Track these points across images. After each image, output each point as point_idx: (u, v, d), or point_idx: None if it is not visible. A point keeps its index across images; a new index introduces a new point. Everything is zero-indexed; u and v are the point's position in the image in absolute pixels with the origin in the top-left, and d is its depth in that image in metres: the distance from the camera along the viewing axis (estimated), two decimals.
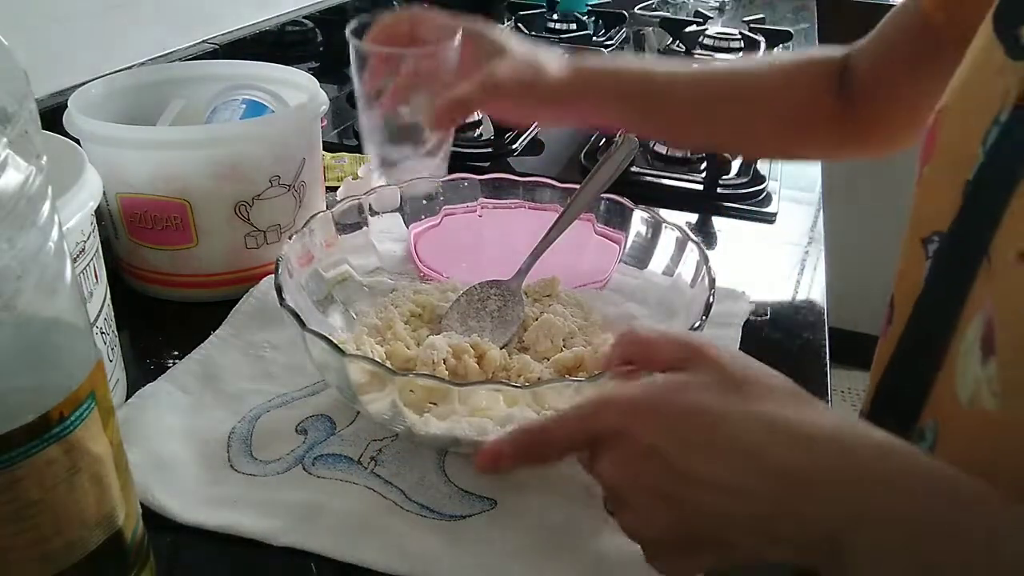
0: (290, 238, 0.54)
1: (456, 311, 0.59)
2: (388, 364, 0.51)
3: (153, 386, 0.53)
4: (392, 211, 0.63)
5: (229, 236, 0.63)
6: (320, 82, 0.70)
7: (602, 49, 1.29)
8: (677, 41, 1.41)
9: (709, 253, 0.56)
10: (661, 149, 0.94)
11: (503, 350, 0.55)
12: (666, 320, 0.58)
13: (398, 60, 0.63)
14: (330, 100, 0.68)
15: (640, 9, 1.69)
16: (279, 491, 0.46)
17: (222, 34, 0.93)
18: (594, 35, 1.46)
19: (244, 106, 0.70)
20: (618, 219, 0.62)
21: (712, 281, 0.51)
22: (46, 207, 0.29)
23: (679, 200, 0.85)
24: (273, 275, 0.65)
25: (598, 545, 0.43)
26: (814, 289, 0.72)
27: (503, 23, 1.54)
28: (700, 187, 0.87)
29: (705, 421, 0.34)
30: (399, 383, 0.43)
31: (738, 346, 0.60)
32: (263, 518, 0.44)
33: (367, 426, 0.50)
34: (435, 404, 0.47)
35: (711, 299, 0.50)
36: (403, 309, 0.59)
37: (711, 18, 1.59)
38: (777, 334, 0.64)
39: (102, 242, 0.51)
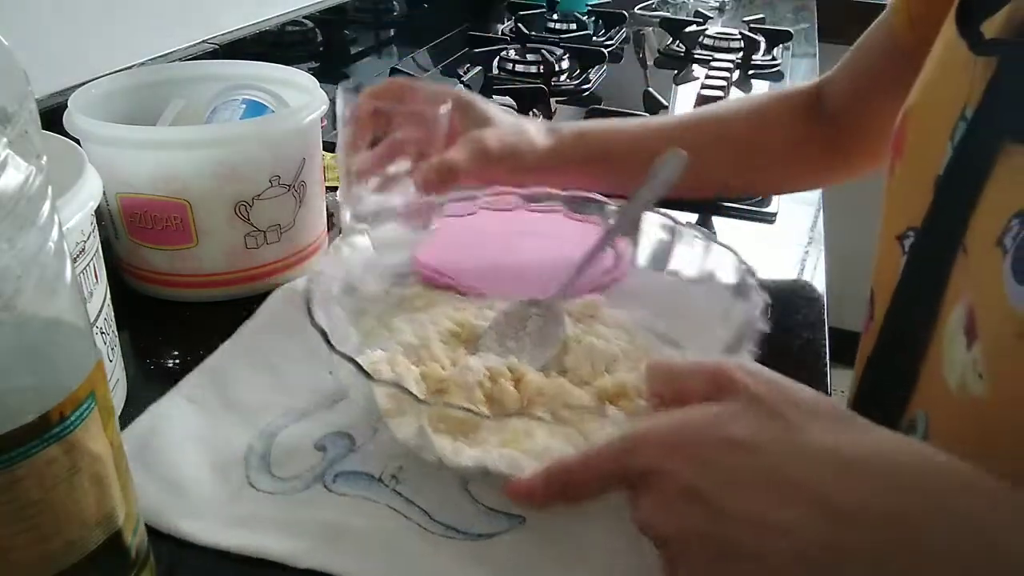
0: (325, 253, 0.53)
1: (494, 331, 0.57)
2: (423, 385, 0.51)
3: (167, 400, 0.53)
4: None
5: (229, 236, 0.63)
6: (320, 82, 0.70)
7: (602, 50, 1.29)
8: (677, 41, 1.42)
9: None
10: None
11: (541, 372, 0.53)
12: (676, 321, 0.58)
13: (389, 118, 0.63)
14: (330, 100, 0.68)
15: (640, 9, 1.69)
16: (300, 510, 0.45)
17: (222, 34, 0.93)
18: (594, 35, 1.46)
19: (244, 106, 0.70)
20: (594, 205, 0.62)
21: (767, 307, 0.49)
22: (46, 207, 0.29)
23: (679, 200, 0.85)
24: (286, 286, 0.66)
25: (632, 562, 0.42)
26: (814, 289, 0.72)
27: (503, 23, 1.54)
28: None
29: (746, 456, 0.32)
30: (427, 412, 0.42)
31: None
32: (284, 539, 0.43)
33: (387, 442, 0.49)
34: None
35: (762, 325, 0.47)
36: (440, 327, 0.57)
37: (711, 18, 1.59)
38: (777, 334, 0.64)
39: (102, 242, 0.51)
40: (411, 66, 1.21)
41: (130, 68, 0.77)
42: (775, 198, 0.86)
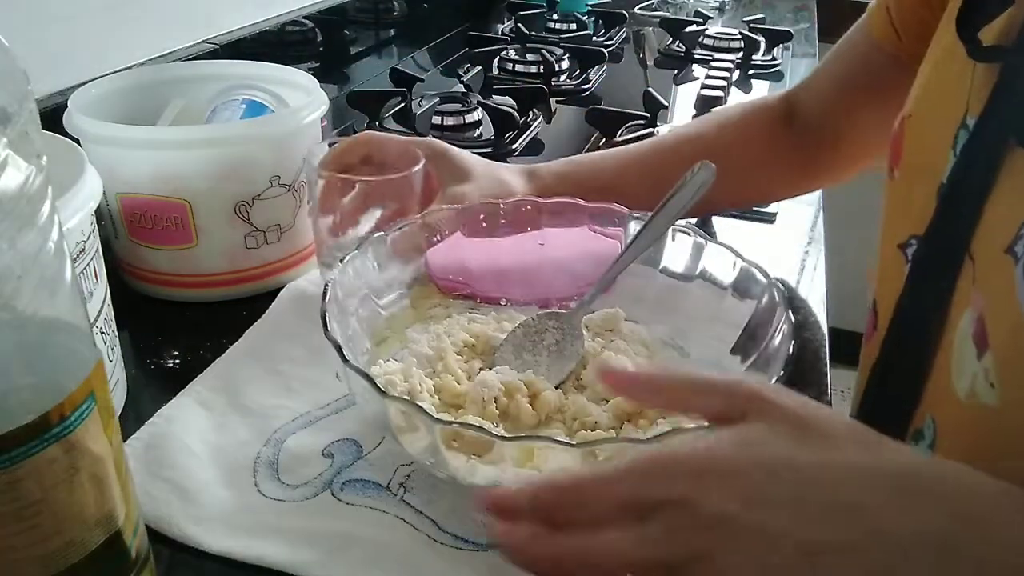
0: (342, 261, 0.53)
1: (511, 343, 0.56)
2: (437, 399, 0.50)
3: (176, 402, 0.52)
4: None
5: (229, 236, 0.63)
6: (320, 82, 0.70)
7: (602, 50, 1.29)
8: (677, 41, 1.42)
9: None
10: None
11: (559, 389, 0.52)
12: (668, 319, 0.58)
13: (351, 186, 0.61)
14: (330, 100, 0.68)
15: (640, 9, 1.69)
16: (308, 519, 0.45)
17: (222, 34, 0.93)
18: (594, 35, 1.46)
19: (244, 106, 0.70)
20: (615, 219, 0.61)
21: (793, 328, 0.47)
22: (46, 207, 0.29)
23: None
24: (291, 285, 0.66)
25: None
26: (814, 289, 0.72)
27: (503, 23, 1.54)
28: None
29: (788, 479, 0.29)
30: (439, 432, 0.41)
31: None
32: (291, 548, 0.43)
33: (394, 450, 0.49)
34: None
35: (792, 349, 0.46)
36: (456, 339, 0.55)
37: (711, 18, 1.59)
38: None
39: (102, 242, 0.51)
40: (411, 66, 1.21)
41: (130, 68, 0.76)
42: None
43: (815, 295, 0.71)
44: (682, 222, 0.59)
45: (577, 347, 0.55)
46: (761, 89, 1.27)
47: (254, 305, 0.64)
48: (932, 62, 0.47)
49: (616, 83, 1.24)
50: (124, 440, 0.39)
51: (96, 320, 0.49)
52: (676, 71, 1.33)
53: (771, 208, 0.84)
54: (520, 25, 1.44)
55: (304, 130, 0.64)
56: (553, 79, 1.19)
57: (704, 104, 1.03)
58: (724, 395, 0.33)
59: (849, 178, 0.71)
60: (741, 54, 1.34)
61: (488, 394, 0.49)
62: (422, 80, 1.09)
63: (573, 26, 1.46)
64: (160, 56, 0.84)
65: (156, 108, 0.71)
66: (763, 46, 1.36)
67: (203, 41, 0.90)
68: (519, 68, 1.22)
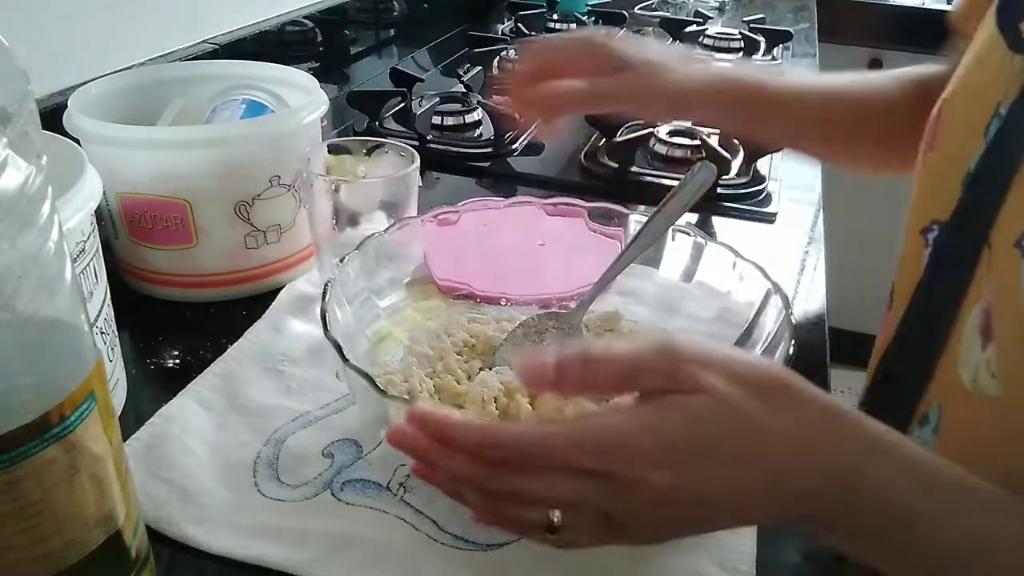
0: (342, 261, 0.52)
1: (511, 344, 0.55)
2: (437, 399, 0.50)
3: (176, 402, 0.53)
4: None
5: (229, 236, 0.63)
6: (320, 82, 0.70)
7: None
8: (677, 41, 1.41)
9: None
10: (661, 149, 0.94)
11: None
12: (668, 319, 0.58)
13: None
14: (330, 100, 0.68)
15: (640, 9, 1.69)
16: (308, 519, 0.45)
17: (222, 34, 0.93)
18: None
19: (244, 106, 0.70)
20: (615, 218, 0.61)
21: (792, 329, 0.48)
22: (46, 207, 0.29)
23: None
24: (290, 285, 0.66)
25: (648, 568, 0.43)
26: (814, 289, 0.72)
27: (503, 23, 1.54)
28: None
29: (721, 456, 0.33)
30: None
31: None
32: (293, 549, 0.43)
33: (394, 450, 0.49)
34: None
35: (791, 349, 0.47)
36: (456, 339, 0.56)
37: (711, 18, 1.59)
38: None
39: (102, 242, 0.51)
40: (411, 66, 1.21)
41: (130, 68, 0.76)
42: (775, 198, 0.86)
43: (815, 295, 0.71)
44: (682, 222, 0.59)
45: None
46: None
47: (254, 305, 0.64)
48: (974, 49, 0.47)
49: None
50: (124, 440, 0.39)
51: (96, 320, 0.49)
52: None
53: (771, 208, 0.84)
54: (520, 25, 1.44)
55: (304, 130, 0.64)
56: None
57: None
58: (664, 376, 0.34)
59: None
60: (741, 54, 1.34)
61: (488, 394, 0.49)
62: (422, 80, 1.09)
63: (573, 26, 1.46)
64: (160, 56, 0.84)
65: (156, 108, 0.71)
66: (763, 46, 1.36)
67: (203, 41, 0.90)
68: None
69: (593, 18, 1.53)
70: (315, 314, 0.47)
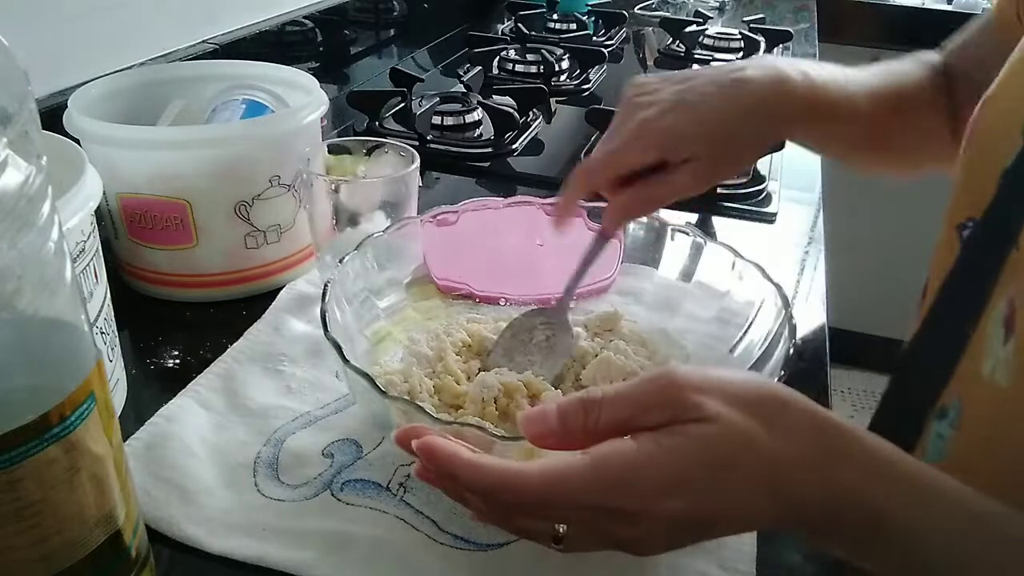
0: (341, 261, 0.52)
1: (501, 347, 0.55)
2: (437, 399, 0.50)
3: (176, 402, 0.53)
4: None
5: (229, 236, 0.63)
6: (320, 82, 0.70)
7: (602, 50, 1.29)
8: (677, 41, 1.42)
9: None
10: None
11: (558, 389, 0.52)
12: (668, 319, 0.58)
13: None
14: (330, 100, 0.68)
15: (640, 9, 1.69)
16: (308, 519, 0.45)
17: (222, 34, 0.93)
18: (594, 35, 1.46)
19: (244, 106, 0.70)
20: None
21: (793, 329, 0.48)
22: (46, 207, 0.29)
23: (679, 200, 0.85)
24: (289, 286, 0.65)
25: (648, 567, 0.43)
26: (814, 289, 0.72)
27: (503, 23, 1.54)
28: None
29: (733, 478, 0.34)
30: (440, 432, 0.40)
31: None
32: (292, 549, 0.43)
33: (394, 450, 0.48)
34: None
35: (791, 349, 0.46)
36: (455, 339, 0.56)
37: (711, 18, 1.59)
38: None
39: (102, 242, 0.51)
40: (411, 66, 1.21)
41: (130, 68, 0.77)
42: (775, 198, 0.86)
43: (815, 295, 0.71)
44: (681, 222, 0.59)
45: (567, 341, 0.55)
46: None
47: (254, 305, 0.64)
48: (1021, 48, 0.47)
49: (616, 83, 1.24)
50: (124, 440, 0.39)
51: (96, 320, 0.49)
52: (676, 71, 1.33)
53: (771, 208, 0.84)
54: (520, 25, 1.44)
55: (304, 130, 0.64)
56: (553, 79, 1.19)
57: None
58: (666, 409, 0.34)
59: None
60: (741, 54, 1.34)
61: (488, 394, 0.49)
62: (422, 80, 1.09)
63: (573, 26, 1.46)
64: (160, 56, 0.84)
65: (156, 108, 0.71)
66: (763, 46, 1.36)
67: (203, 41, 0.90)
68: (519, 68, 1.22)
69: (593, 18, 1.53)
70: (315, 314, 0.47)
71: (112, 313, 0.52)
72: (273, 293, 0.65)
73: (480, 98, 1.04)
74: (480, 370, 0.54)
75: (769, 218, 0.84)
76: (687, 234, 0.58)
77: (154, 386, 0.56)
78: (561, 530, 0.35)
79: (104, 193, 0.51)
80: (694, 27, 1.42)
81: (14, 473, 0.29)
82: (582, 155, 0.94)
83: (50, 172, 0.29)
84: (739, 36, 1.39)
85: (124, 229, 0.62)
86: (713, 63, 1.29)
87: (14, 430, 0.29)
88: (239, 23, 0.96)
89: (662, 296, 0.59)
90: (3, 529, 0.30)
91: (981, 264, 0.43)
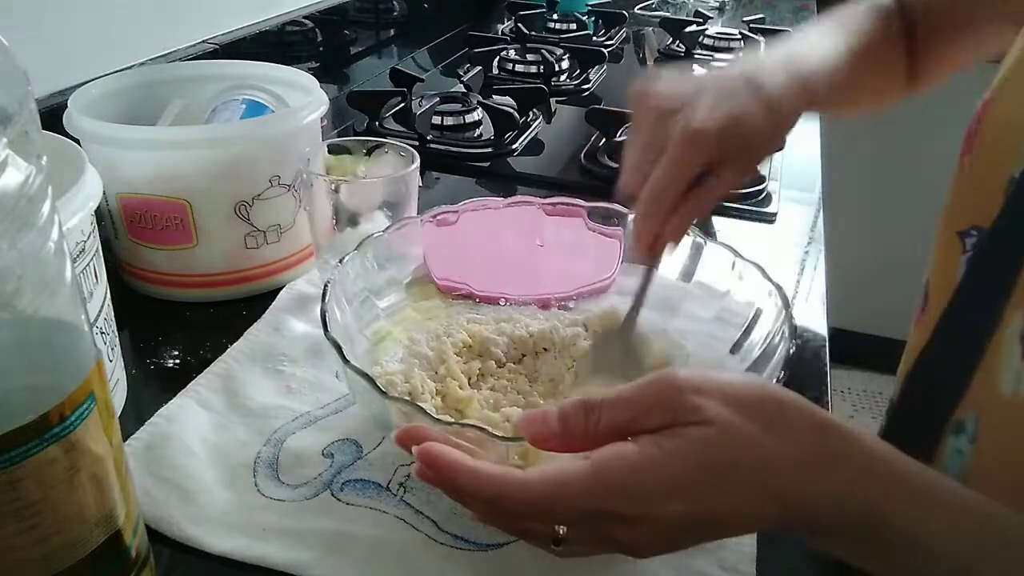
0: (341, 261, 0.52)
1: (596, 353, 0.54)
2: (440, 401, 0.50)
3: (176, 402, 0.53)
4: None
5: (229, 236, 0.63)
6: (320, 82, 0.70)
7: (602, 50, 1.29)
8: (677, 41, 1.42)
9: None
10: None
11: (559, 387, 0.52)
12: (668, 319, 0.58)
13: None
14: (330, 100, 0.68)
15: (640, 9, 1.69)
16: (307, 519, 0.45)
17: (222, 34, 0.93)
18: (594, 35, 1.46)
19: (244, 106, 0.70)
20: (614, 218, 0.61)
21: (793, 329, 0.48)
22: (46, 207, 0.29)
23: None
24: (289, 286, 0.65)
25: (648, 567, 0.43)
26: (814, 289, 0.72)
27: (503, 23, 1.54)
28: None
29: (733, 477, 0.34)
30: (441, 432, 0.41)
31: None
32: (292, 549, 0.43)
33: (394, 450, 0.49)
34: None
35: (791, 349, 0.46)
36: (456, 339, 0.55)
37: (711, 18, 1.59)
38: None
39: (102, 242, 0.51)
40: (411, 66, 1.21)
41: (130, 68, 0.76)
42: (775, 198, 0.86)
43: (815, 295, 0.71)
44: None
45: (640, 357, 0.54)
46: None
47: (254, 305, 0.64)
48: (1019, 48, 0.47)
49: (616, 83, 1.24)
50: (124, 440, 0.39)
51: (96, 320, 0.49)
52: (676, 71, 1.33)
53: (771, 208, 0.84)
54: (520, 25, 1.44)
55: (304, 130, 0.64)
56: (553, 79, 1.19)
57: None
58: (665, 411, 0.34)
59: (921, 91, 0.68)
60: (741, 54, 1.34)
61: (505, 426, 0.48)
62: (422, 80, 1.09)
63: (573, 26, 1.46)
64: (160, 56, 0.84)
65: (156, 108, 0.71)
66: (763, 46, 1.36)
67: (203, 41, 0.90)
68: (519, 68, 1.22)
69: (593, 18, 1.53)
70: (315, 314, 0.47)
71: (112, 313, 0.52)
72: (273, 293, 0.65)
73: (480, 98, 1.04)
74: (480, 370, 0.54)
75: (769, 218, 0.84)
76: (687, 234, 0.58)
77: (154, 386, 0.56)
78: (561, 531, 0.35)
79: (104, 193, 0.51)
80: (694, 27, 1.42)
81: (14, 473, 0.29)
82: (581, 156, 0.94)
83: (50, 172, 0.29)
84: (739, 36, 1.39)
85: (124, 229, 0.62)
86: (713, 63, 1.28)
87: (14, 430, 0.29)
88: (239, 23, 0.96)
89: (662, 296, 0.59)
90: (3, 529, 0.30)
91: (993, 277, 0.42)
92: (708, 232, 0.81)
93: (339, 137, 0.97)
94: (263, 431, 0.51)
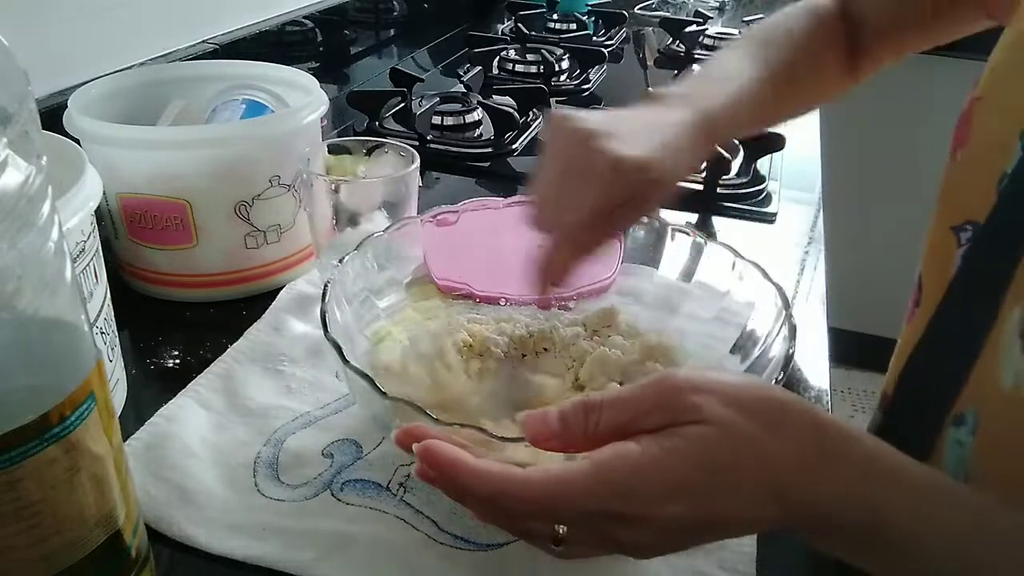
0: (341, 261, 0.52)
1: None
2: (439, 397, 0.50)
3: (176, 402, 0.53)
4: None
5: (229, 236, 0.63)
6: (320, 82, 0.70)
7: (602, 50, 1.29)
8: (677, 41, 1.42)
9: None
10: None
11: (561, 386, 0.52)
12: (668, 319, 0.58)
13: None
14: (330, 100, 0.68)
15: (640, 9, 1.69)
16: (307, 519, 0.45)
17: (222, 34, 0.93)
18: (594, 35, 1.46)
19: (244, 106, 0.70)
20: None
21: (793, 329, 0.47)
22: (46, 207, 0.29)
23: (679, 200, 0.85)
24: (289, 286, 0.65)
25: (648, 568, 0.43)
26: (814, 289, 0.72)
27: (503, 23, 1.54)
28: (700, 187, 0.87)
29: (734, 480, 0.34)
30: (440, 432, 0.40)
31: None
32: (292, 549, 0.43)
33: (394, 450, 0.48)
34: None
35: (791, 349, 0.46)
36: (456, 339, 0.55)
37: (711, 18, 1.59)
38: None
39: (102, 242, 0.51)
40: (411, 66, 1.21)
41: (130, 68, 0.77)
42: (775, 198, 0.86)
43: (815, 295, 0.71)
44: (682, 222, 0.59)
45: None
46: None
47: (254, 305, 0.64)
48: (1005, 46, 0.46)
49: (616, 83, 1.24)
50: (124, 440, 0.39)
51: (96, 320, 0.49)
52: (676, 71, 1.33)
53: (771, 208, 0.84)
54: (520, 25, 1.44)
55: (304, 130, 0.64)
56: (553, 79, 1.19)
57: None
58: (665, 412, 0.34)
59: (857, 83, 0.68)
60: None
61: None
62: (422, 80, 1.09)
63: (573, 26, 1.46)
64: (160, 56, 0.84)
65: (156, 108, 0.71)
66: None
67: (203, 41, 0.90)
68: (519, 68, 1.22)
69: (593, 18, 1.53)
70: (315, 314, 0.47)
71: (112, 313, 0.52)
72: (273, 293, 0.65)
73: (480, 98, 1.04)
74: (480, 369, 0.54)
75: (769, 218, 0.84)
76: (687, 234, 0.58)
77: (154, 386, 0.56)
78: (561, 531, 0.35)
79: (104, 193, 0.51)
80: (694, 27, 1.42)
81: (14, 473, 0.29)
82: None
83: (50, 172, 0.29)
84: (739, 36, 1.39)
85: (124, 229, 0.62)
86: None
87: (14, 430, 0.29)
88: (239, 23, 0.96)
89: (662, 296, 0.59)
90: (3, 529, 0.30)
91: (988, 272, 0.42)
92: (708, 232, 0.81)
93: (339, 137, 0.97)
94: (263, 431, 0.51)
